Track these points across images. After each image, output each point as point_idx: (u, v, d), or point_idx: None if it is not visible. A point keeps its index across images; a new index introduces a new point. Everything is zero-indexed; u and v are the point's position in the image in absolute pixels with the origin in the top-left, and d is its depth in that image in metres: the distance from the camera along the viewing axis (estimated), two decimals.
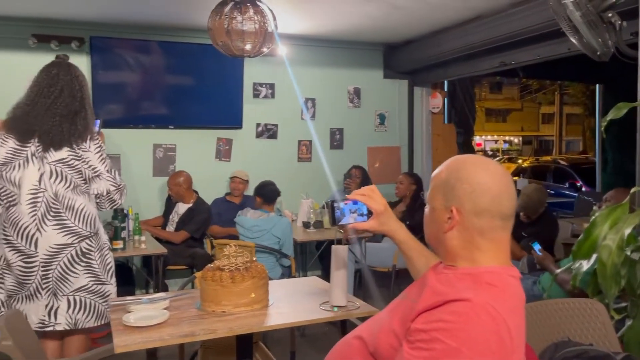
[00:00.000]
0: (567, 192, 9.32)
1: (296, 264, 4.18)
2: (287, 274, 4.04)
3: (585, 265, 2.14)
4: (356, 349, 1.25)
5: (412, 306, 1.14)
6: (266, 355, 2.52)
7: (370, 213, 1.50)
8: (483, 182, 1.15)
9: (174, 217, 4.55)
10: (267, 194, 4.13)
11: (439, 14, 4.38)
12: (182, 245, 4.37)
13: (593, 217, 2.12)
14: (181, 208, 4.54)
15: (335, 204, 1.52)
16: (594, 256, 2.05)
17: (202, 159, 5.08)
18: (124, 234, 3.63)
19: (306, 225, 4.59)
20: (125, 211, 3.72)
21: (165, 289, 4.11)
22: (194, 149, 5.06)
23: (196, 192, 4.63)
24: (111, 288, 2.54)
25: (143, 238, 3.79)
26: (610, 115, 2.13)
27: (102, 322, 2.51)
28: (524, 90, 23.82)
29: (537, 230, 3.71)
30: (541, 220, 3.79)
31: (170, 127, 4.95)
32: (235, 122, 5.11)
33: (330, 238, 4.38)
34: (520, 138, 28.47)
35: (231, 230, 4.43)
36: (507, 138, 28.09)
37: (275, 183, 4.26)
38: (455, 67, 5.10)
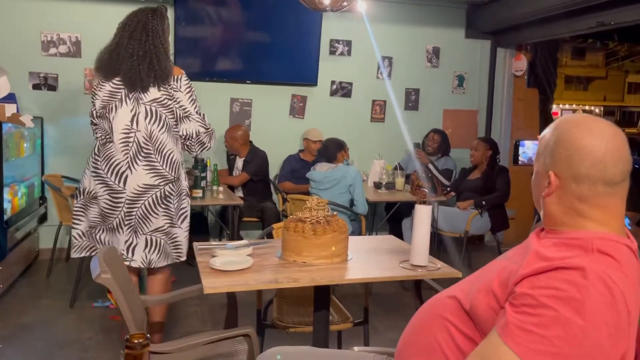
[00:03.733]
0: None
1: (366, 224, 4.18)
2: (356, 231, 4.05)
3: None
4: (450, 307, 1.23)
5: (515, 269, 1.10)
6: (339, 309, 2.57)
7: None
8: (582, 145, 1.08)
9: (236, 173, 4.64)
10: (325, 151, 4.14)
11: None
12: (253, 200, 4.47)
13: None
14: (239, 163, 4.63)
15: None
16: None
17: (277, 115, 5.13)
18: (203, 183, 3.75)
19: (377, 185, 4.56)
20: (204, 161, 3.83)
21: (239, 239, 4.24)
22: (269, 105, 5.10)
23: (251, 142, 4.65)
24: (180, 232, 2.62)
25: (221, 189, 3.91)
26: None
27: (169, 262, 2.62)
28: (610, 57, 22.15)
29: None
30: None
31: (247, 82, 5.00)
32: (310, 79, 5.09)
33: (401, 200, 4.34)
34: (602, 108, 26.74)
35: (302, 187, 4.48)
36: (586, 107, 26.46)
37: (346, 142, 4.20)
38: (545, 28, 4.78)
